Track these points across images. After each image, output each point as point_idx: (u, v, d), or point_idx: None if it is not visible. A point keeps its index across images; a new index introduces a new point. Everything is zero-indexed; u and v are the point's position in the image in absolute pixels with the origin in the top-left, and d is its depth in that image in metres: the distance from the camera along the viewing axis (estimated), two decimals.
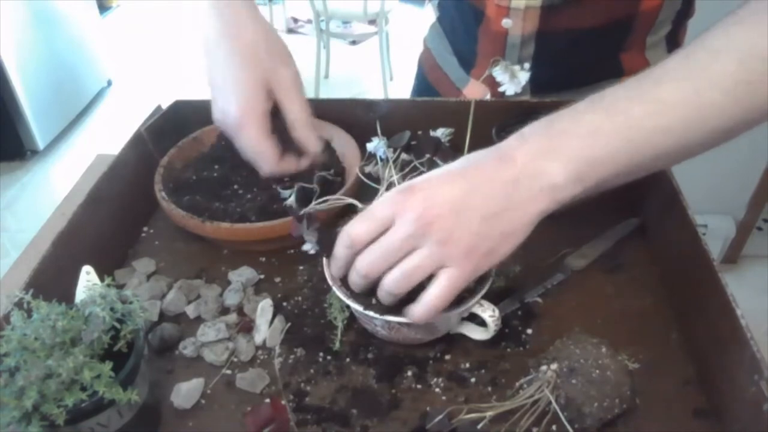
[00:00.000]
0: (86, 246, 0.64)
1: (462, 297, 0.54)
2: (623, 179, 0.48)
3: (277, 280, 0.68)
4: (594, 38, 0.75)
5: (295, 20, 4.30)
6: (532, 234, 0.48)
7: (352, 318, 0.60)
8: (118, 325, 0.48)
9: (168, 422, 0.54)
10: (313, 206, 0.58)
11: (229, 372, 0.58)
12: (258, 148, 0.61)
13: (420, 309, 0.48)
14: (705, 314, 0.56)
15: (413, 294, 0.49)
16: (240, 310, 0.63)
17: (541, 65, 0.71)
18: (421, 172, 0.59)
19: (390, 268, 0.47)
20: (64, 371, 0.43)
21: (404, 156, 0.67)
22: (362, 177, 0.67)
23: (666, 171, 0.68)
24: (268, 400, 0.53)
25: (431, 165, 0.62)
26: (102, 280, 0.52)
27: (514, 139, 0.48)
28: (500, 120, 0.75)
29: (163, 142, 0.79)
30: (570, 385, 0.50)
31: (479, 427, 0.50)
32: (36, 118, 2.74)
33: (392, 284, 0.48)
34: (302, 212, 0.56)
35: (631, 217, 0.72)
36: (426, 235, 0.45)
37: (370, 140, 0.68)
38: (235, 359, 0.59)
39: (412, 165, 0.64)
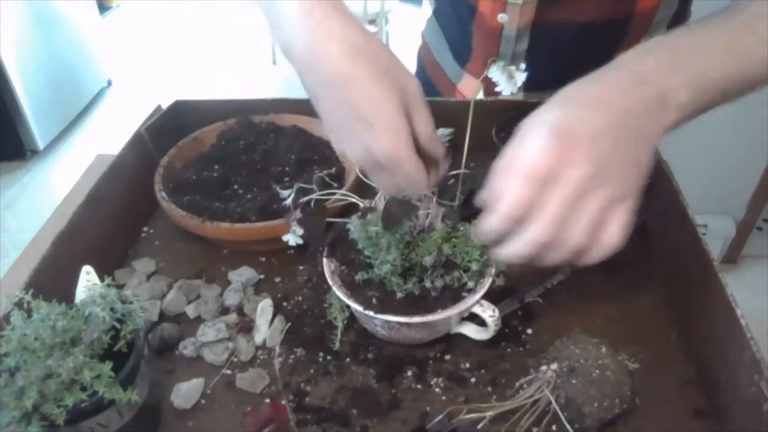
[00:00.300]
0: (86, 246, 0.64)
1: (462, 297, 0.54)
2: (725, 101, 0.50)
3: (277, 280, 0.68)
4: (589, 35, 0.75)
5: None
6: None
7: (352, 318, 0.60)
8: (118, 325, 0.48)
9: (168, 422, 0.54)
10: (312, 198, 0.58)
11: (229, 372, 0.58)
12: (417, 176, 0.49)
13: (598, 251, 0.46)
14: (705, 314, 0.56)
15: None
16: (240, 310, 0.63)
17: (535, 61, 0.71)
18: None
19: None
20: (64, 371, 0.43)
21: None
22: (362, 177, 0.67)
23: (666, 171, 0.68)
24: (268, 400, 0.53)
25: None
26: (102, 280, 0.52)
27: (640, 58, 0.48)
28: (500, 120, 0.75)
29: (163, 142, 0.79)
30: (570, 385, 0.50)
31: (479, 427, 0.50)
32: (36, 118, 2.74)
33: (580, 238, 0.44)
34: (298, 201, 0.56)
35: None
36: (599, 176, 0.43)
37: None
38: (235, 359, 0.59)
39: None
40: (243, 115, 0.82)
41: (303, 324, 0.62)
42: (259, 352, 0.60)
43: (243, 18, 4.04)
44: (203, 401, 0.55)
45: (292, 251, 0.70)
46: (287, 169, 0.75)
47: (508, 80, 0.52)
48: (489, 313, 0.55)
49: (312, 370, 0.57)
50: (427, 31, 0.97)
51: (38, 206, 2.53)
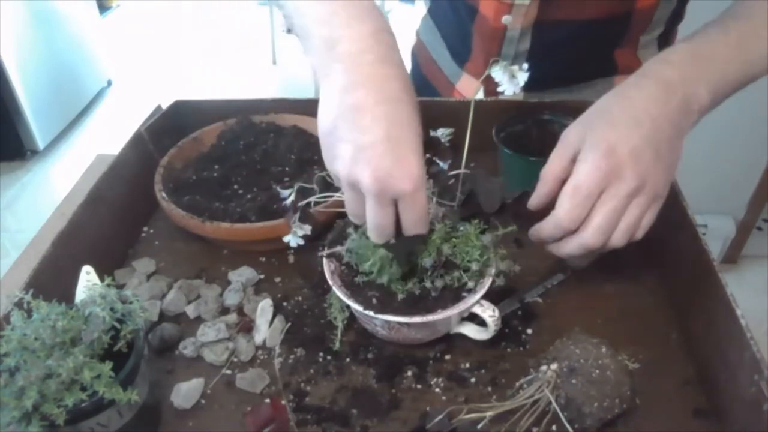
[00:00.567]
0: (86, 246, 0.64)
1: (462, 297, 0.54)
2: (735, 92, 0.57)
3: (277, 280, 0.68)
4: (590, 32, 0.75)
5: None
6: None
7: (352, 318, 0.60)
8: (118, 325, 0.48)
9: (168, 422, 0.54)
10: (312, 200, 0.58)
11: (229, 372, 0.58)
12: (424, 210, 0.48)
13: (620, 237, 0.53)
14: (705, 314, 0.56)
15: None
16: (240, 310, 0.63)
17: (537, 60, 0.71)
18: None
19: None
20: (64, 371, 0.43)
21: None
22: None
23: None
24: (268, 400, 0.53)
25: (430, 164, 0.61)
26: (102, 280, 0.52)
27: (665, 67, 0.54)
28: (500, 120, 0.75)
29: (163, 142, 0.79)
30: (570, 385, 0.50)
31: (479, 427, 0.50)
32: (36, 118, 2.74)
33: (622, 241, 0.53)
34: (298, 204, 0.56)
35: None
36: (640, 187, 0.51)
37: None
38: (235, 359, 0.59)
39: None
40: (243, 115, 0.82)
41: (303, 324, 0.62)
42: (259, 352, 0.60)
43: (243, 18, 4.04)
44: (203, 401, 0.55)
45: (292, 251, 0.70)
46: (287, 169, 0.75)
47: (510, 80, 0.52)
48: (489, 313, 0.55)
49: (312, 370, 0.57)
50: (422, 29, 0.96)
51: (38, 206, 2.53)
